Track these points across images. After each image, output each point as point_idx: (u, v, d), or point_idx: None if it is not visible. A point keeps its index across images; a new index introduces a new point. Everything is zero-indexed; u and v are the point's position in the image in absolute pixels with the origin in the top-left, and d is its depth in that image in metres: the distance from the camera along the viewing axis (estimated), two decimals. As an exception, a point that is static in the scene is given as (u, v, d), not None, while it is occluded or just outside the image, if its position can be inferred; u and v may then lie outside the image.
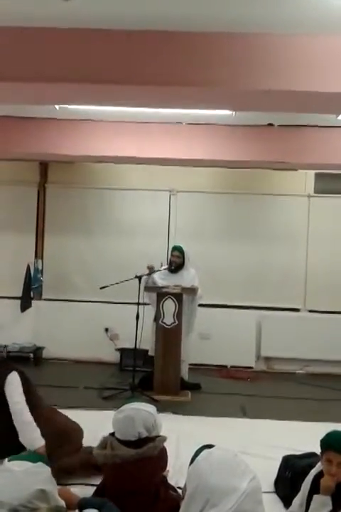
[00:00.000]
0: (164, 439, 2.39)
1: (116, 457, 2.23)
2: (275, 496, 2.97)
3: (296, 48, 3.05)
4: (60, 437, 2.92)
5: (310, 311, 6.41)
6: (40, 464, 1.67)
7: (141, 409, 2.35)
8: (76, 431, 3.11)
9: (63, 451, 2.85)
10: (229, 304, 6.33)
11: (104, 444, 2.34)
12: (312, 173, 6.30)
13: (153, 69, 3.08)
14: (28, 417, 2.82)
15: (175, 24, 2.98)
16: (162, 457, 2.36)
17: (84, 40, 3.08)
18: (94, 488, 2.40)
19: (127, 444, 2.28)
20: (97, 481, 2.55)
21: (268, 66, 3.06)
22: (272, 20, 2.92)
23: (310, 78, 3.03)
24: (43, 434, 2.79)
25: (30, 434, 2.77)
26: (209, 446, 1.62)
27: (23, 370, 3.06)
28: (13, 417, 2.83)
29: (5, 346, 6.08)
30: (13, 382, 2.92)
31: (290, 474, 2.90)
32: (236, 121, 4.76)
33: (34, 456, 1.72)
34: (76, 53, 3.08)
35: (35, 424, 2.81)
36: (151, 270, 5.16)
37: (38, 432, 2.79)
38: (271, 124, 4.93)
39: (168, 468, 2.64)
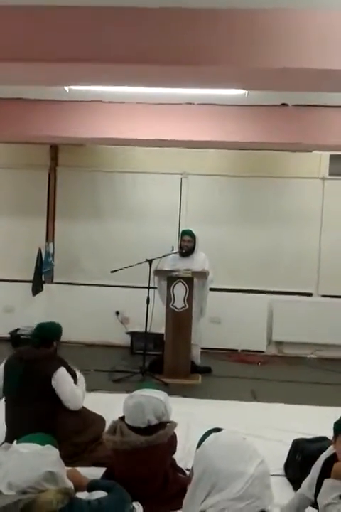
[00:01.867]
0: (174, 425, 2.38)
1: (126, 444, 2.23)
2: (285, 479, 2.98)
3: (311, 24, 2.95)
4: (85, 420, 3.13)
5: (323, 295, 6.34)
6: (48, 446, 1.67)
7: (151, 397, 2.34)
8: (98, 417, 3.27)
9: (87, 435, 3.05)
10: (240, 288, 6.30)
11: (113, 429, 2.34)
12: (326, 155, 6.17)
13: (163, 48, 3.00)
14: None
15: (185, 1, 2.89)
16: (172, 443, 2.36)
17: (94, 18, 3.01)
18: (102, 469, 2.40)
19: (137, 430, 2.28)
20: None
21: (282, 43, 2.96)
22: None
23: (325, 55, 2.92)
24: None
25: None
26: (217, 430, 1.60)
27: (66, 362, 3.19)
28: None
29: (17, 329, 6.15)
30: (67, 378, 3.10)
31: (300, 458, 2.90)
32: (248, 101, 4.65)
33: (42, 438, 1.72)
34: (86, 32, 3.02)
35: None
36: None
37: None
38: (284, 104, 4.82)
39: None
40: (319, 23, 2.95)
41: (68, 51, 3.03)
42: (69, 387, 3.09)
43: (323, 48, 2.93)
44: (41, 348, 3.18)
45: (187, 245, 5.25)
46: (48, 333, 3.25)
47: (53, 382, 3.03)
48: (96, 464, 2.76)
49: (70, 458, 2.72)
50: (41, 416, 2.90)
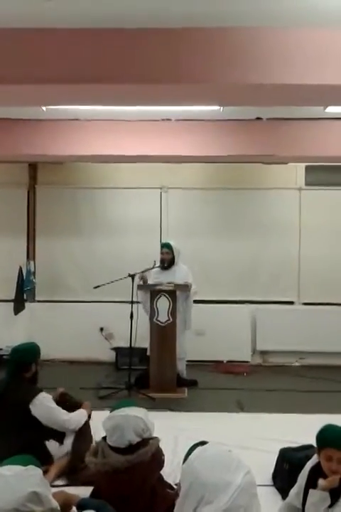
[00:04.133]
0: (157, 441, 2.36)
1: (107, 465, 2.22)
2: (273, 489, 2.99)
3: (283, 42, 3.04)
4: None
5: (304, 303, 6.43)
6: (31, 466, 1.65)
7: (129, 416, 2.31)
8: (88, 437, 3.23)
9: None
10: (223, 299, 6.33)
11: (95, 450, 2.33)
12: (302, 166, 6.31)
13: (140, 67, 3.06)
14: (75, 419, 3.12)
15: (161, 21, 2.96)
16: (155, 459, 2.33)
17: (69, 40, 3.05)
18: (88, 488, 2.38)
19: (118, 450, 2.27)
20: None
21: (255, 60, 3.04)
22: (259, 15, 2.91)
23: (296, 71, 3.02)
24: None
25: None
26: (203, 443, 1.62)
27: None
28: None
29: (-1, 350, 6.05)
30: (48, 401, 3.03)
31: (288, 467, 2.92)
32: (224, 116, 4.75)
33: (25, 459, 1.70)
34: (61, 54, 3.05)
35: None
36: (145, 281, 5.13)
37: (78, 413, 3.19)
38: (259, 118, 4.93)
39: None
40: (291, 40, 3.05)
41: (44, 72, 3.06)
42: (54, 414, 3.01)
43: (295, 65, 3.03)
44: (18, 374, 3.06)
45: (166, 257, 5.28)
46: (24, 357, 3.11)
47: (33, 410, 2.94)
48: (86, 483, 2.72)
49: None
50: (24, 444, 2.78)
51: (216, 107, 4.38)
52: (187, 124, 4.96)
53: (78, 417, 3.16)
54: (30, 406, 2.92)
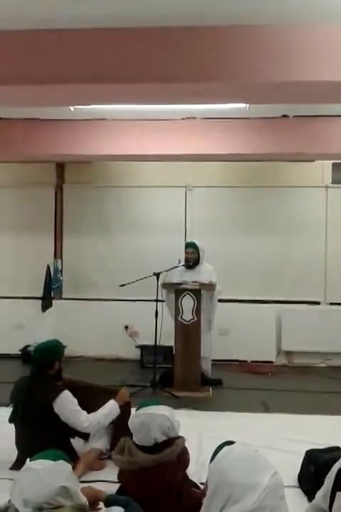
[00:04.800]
0: (183, 440, 2.36)
1: (133, 464, 2.23)
2: (299, 491, 2.96)
3: (309, 38, 3.00)
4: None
5: (331, 303, 6.32)
6: (61, 461, 1.69)
7: (155, 414, 2.32)
8: None
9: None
10: (248, 298, 6.30)
11: (121, 448, 2.34)
12: (329, 163, 6.21)
13: (166, 66, 3.07)
14: (97, 418, 3.07)
15: (186, 19, 2.96)
16: (181, 459, 2.33)
17: (97, 40, 3.09)
18: (114, 484, 2.41)
19: (145, 448, 2.28)
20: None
21: (281, 57, 3.01)
22: (284, 11, 2.88)
23: (323, 68, 2.97)
24: None
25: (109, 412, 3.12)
26: (230, 443, 1.62)
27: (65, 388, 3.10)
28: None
29: (27, 346, 6.18)
30: (70, 403, 3.01)
31: (314, 468, 2.88)
32: (250, 114, 4.71)
33: (55, 454, 1.73)
34: (89, 53, 3.09)
35: (98, 412, 3.10)
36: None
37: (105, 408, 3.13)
38: (285, 116, 4.87)
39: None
40: (319, 36, 3.00)
41: (72, 72, 3.11)
42: (73, 417, 2.98)
43: (322, 61, 2.99)
44: (42, 372, 3.07)
45: (191, 257, 5.28)
46: (47, 356, 3.10)
47: (56, 408, 2.95)
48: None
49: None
50: (49, 441, 2.83)
51: (242, 105, 4.36)
52: (212, 122, 4.94)
53: (100, 418, 3.08)
54: (53, 404, 2.95)
